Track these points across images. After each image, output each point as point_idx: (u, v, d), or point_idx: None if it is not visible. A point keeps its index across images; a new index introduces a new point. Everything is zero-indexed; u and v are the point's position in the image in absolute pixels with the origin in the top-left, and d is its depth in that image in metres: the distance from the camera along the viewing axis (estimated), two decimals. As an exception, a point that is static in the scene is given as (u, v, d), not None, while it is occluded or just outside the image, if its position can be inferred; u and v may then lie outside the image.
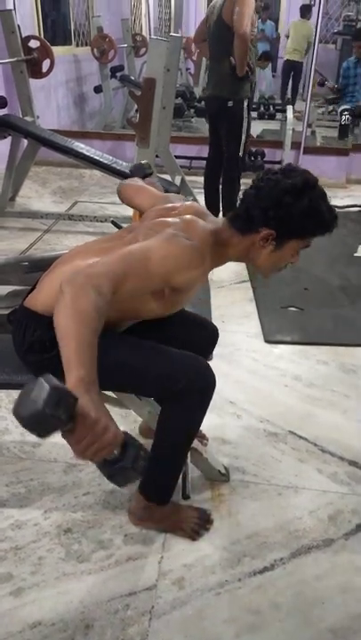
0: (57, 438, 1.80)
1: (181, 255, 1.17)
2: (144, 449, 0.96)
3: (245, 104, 3.35)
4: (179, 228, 1.23)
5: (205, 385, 1.34)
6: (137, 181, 1.61)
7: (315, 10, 5.05)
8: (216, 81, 3.34)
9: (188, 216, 1.30)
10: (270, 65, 8.41)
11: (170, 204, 1.40)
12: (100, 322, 0.97)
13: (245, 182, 5.18)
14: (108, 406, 1.65)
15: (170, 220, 1.28)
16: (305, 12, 7.82)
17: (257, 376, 2.20)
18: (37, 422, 0.80)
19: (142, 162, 2.05)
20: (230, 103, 3.28)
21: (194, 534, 1.47)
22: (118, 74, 6.65)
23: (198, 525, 1.49)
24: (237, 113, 3.32)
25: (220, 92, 3.32)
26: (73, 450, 0.87)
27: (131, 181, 1.61)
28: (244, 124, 3.38)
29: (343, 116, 5.36)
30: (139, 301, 1.26)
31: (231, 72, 3.20)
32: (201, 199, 4.22)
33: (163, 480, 1.44)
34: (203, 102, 3.63)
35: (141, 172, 1.95)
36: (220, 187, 3.64)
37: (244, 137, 3.42)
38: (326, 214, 1.26)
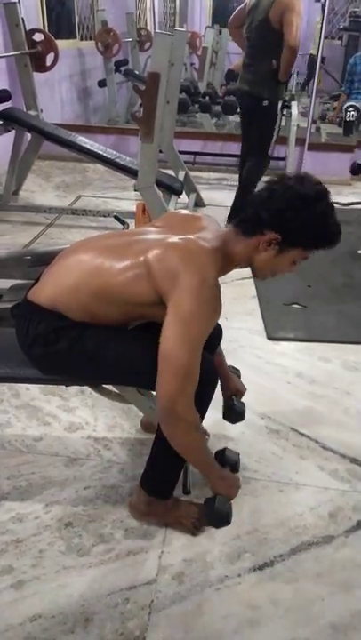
0: (58, 432, 1.80)
1: (213, 309, 1.26)
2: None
3: (280, 105, 3.45)
4: (189, 262, 1.22)
5: (207, 379, 1.34)
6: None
7: (319, 6, 4.99)
8: (253, 79, 3.34)
9: (191, 237, 1.28)
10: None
11: (181, 213, 1.47)
12: (204, 440, 1.51)
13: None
14: (110, 401, 1.65)
15: (179, 242, 1.27)
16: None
17: (259, 373, 2.20)
18: (223, 526, 1.50)
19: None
20: (265, 103, 3.32)
21: (194, 529, 1.48)
22: (122, 68, 6.63)
23: (199, 521, 1.49)
24: (272, 113, 3.40)
25: (257, 91, 3.33)
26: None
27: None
28: (277, 124, 3.49)
29: (348, 113, 5.33)
30: (148, 311, 1.31)
31: (271, 74, 3.22)
32: (205, 194, 4.22)
33: (164, 475, 1.44)
34: (233, 95, 3.64)
35: None
36: (242, 175, 3.70)
37: (275, 136, 3.53)
38: (332, 227, 1.28)
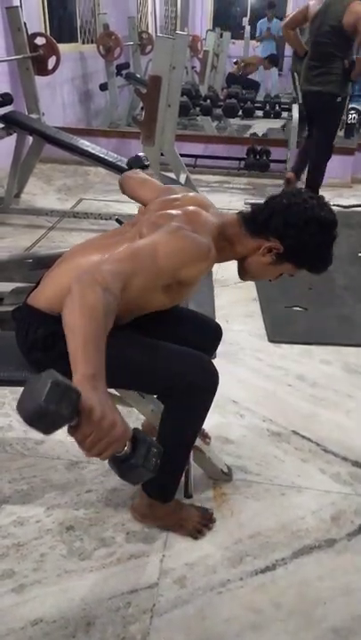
0: (60, 435, 1.79)
1: (188, 248, 1.17)
2: (156, 445, 0.94)
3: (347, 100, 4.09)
4: (182, 221, 1.22)
5: (208, 383, 1.34)
6: (138, 173, 1.60)
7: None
8: (323, 79, 3.60)
9: (191, 207, 1.29)
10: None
11: (173, 196, 1.40)
12: (108, 317, 0.95)
13: (254, 181, 5.16)
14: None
15: (173, 212, 1.27)
16: None
17: (260, 375, 2.20)
18: (40, 418, 0.78)
19: (139, 154, 2.05)
20: (339, 99, 3.65)
21: (196, 533, 1.47)
22: (124, 71, 6.65)
23: (200, 524, 1.49)
24: (341, 107, 3.85)
25: (330, 89, 3.60)
26: (80, 446, 0.85)
27: (132, 173, 1.59)
28: (342, 117, 4.02)
29: (350, 115, 5.34)
30: (146, 295, 1.25)
31: (343, 72, 3.54)
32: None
33: (166, 478, 1.44)
34: (303, 97, 3.95)
35: (139, 163, 1.94)
36: (308, 170, 4.01)
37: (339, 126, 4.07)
38: (330, 257, 1.32)
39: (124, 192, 1.56)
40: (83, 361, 0.88)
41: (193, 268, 1.18)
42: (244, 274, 1.40)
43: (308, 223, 1.25)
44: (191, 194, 1.41)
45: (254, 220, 1.30)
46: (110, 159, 3.56)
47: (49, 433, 0.81)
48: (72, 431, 0.85)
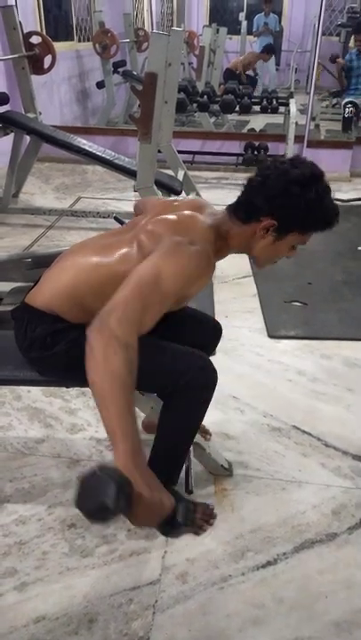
0: (60, 434, 1.79)
1: (190, 267, 1.17)
2: (192, 502, 1.00)
3: None
4: (179, 229, 1.22)
5: (207, 381, 1.34)
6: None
7: (317, 2, 4.99)
8: None
9: (187, 212, 1.29)
10: (274, 58, 8.35)
11: (171, 199, 1.41)
12: (133, 375, 0.99)
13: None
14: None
15: (170, 217, 1.27)
16: None
17: (260, 371, 2.20)
18: (103, 516, 0.84)
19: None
20: None
21: (197, 529, 1.48)
22: (121, 69, 6.63)
23: (201, 520, 1.49)
24: None
25: None
26: (132, 523, 0.91)
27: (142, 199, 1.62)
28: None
29: (347, 109, 5.32)
30: None
31: None
32: (204, 194, 4.21)
33: (166, 474, 1.44)
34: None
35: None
36: None
37: None
38: (330, 208, 1.25)
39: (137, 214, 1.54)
40: (121, 436, 0.93)
41: (198, 284, 1.21)
42: (257, 262, 1.38)
43: (287, 187, 1.21)
44: (190, 197, 1.42)
45: (240, 208, 1.29)
46: (108, 157, 3.56)
47: (107, 523, 0.91)
48: (127, 516, 0.90)
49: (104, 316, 1.04)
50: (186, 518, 0.97)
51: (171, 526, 0.97)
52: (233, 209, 1.30)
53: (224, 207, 1.35)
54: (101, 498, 0.81)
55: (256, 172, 1.31)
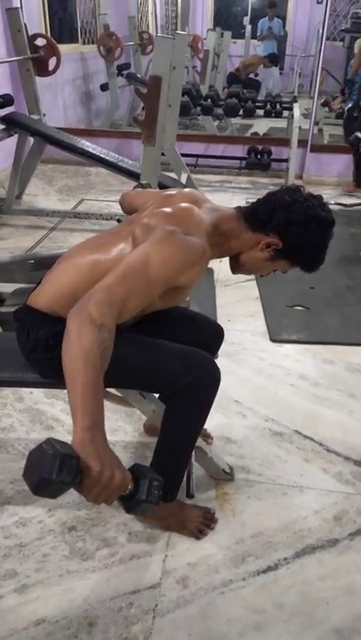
0: (62, 436, 1.79)
1: (181, 254, 1.16)
2: (157, 478, 0.99)
3: None
4: (174, 221, 1.21)
5: (210, 382, 1.34)
6: (135, 190, 1.61)
7: (321, 7, 5.00)
8: None
9: (183, 205, 1.29)
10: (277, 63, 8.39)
11: (168, 192, 1.42)
12: (104, 356, 1.00)
13: (256, 181, 5.16)
14: (113, 405, 1.65)
15: (165, 210, 1.27)
16: None
17: (262, 375, 2.20)
18: (44, 488, 0.85)
19: (143, 182, 2.03)
20: None
21: (198, 533, 1.47)
22: (125, 72, 6.64)
23: (202, 524, 1.49)
24: None
25: None
26: (86, 499, 0.90)
27: (129, 191, 1.62)
28: None
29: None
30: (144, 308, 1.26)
31: None
32: (207, 197, 4.22)
33: (167, 478, 1.43)
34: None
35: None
36: None
37: None
38: (323, 257, 1.34)
39: (124, 210, 1.56)
40: (80, 412, 0.93)
41: (189, 273, 1.18)
42: (237, 267, 1.40)
43: (309, 221, 1.26)
44: (187, 190, 1.42)
45: (255, 215, 1.30)
46: (111, 160, 3.56)
47: (55, 497, 0.87)
48: (77, 488, 0.89)
49: (84, 299, 1.04)
50: (148, 494, 0.95)
51: (133, 503, 0.96)
52: (247, 213, 1.31)
53: (233, 207, 1.36)
54: (42, 471, 0.83)
55: (284, 189, 1.32)
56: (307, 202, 1.28)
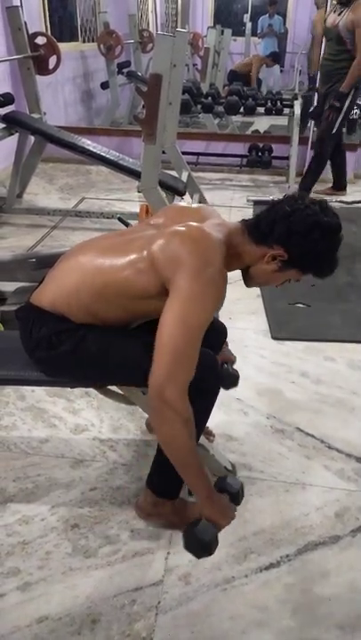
0: (64, 434, 1.79)
1: (210, 296, 1.18)
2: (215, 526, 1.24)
3: None
4: (195, 251, 1.19)
5: (212, 380, 1.34)
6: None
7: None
8: None
9: (198, 227, 1.26)
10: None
11: (180, 206, 1.42)
12: (194, 436, 1.18)
13: (256, 178, 5.15)
14: (115, 403, 1.65)
15: (184, 233, 1.23)
16: None
17: (264, 373, 2.20)
18: (202, 556, 1.21)
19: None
20: None
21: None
22: (125, 70, 6.64)
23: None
24: None
25: None
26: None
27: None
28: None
29: (352, 111, 5.30)
30: (152, 306, 1.26)
31: None
32: (208, 195, 4.22)
33: (170, 475, 1.43)
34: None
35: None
36: None
37: None
38: (335, 261, 1.30)
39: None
40: (200, 488, 1.22)
41: (220, 301, 1.25)
42: (249, 280, 1.38)
43: (311, 230, 1.23)
44: (195, 205, 1.42)
45: (257, 228, 1.29)
46: (112, 158, 3.56)
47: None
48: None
49: (159, 391, 1.12)
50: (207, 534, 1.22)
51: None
52: (251, 227, 1.30)
53: (238, 221, 1.35)
54: (210, 551, 1.20)
55: (286, 199, 1.30)
56: (307, 210, 1.24)
